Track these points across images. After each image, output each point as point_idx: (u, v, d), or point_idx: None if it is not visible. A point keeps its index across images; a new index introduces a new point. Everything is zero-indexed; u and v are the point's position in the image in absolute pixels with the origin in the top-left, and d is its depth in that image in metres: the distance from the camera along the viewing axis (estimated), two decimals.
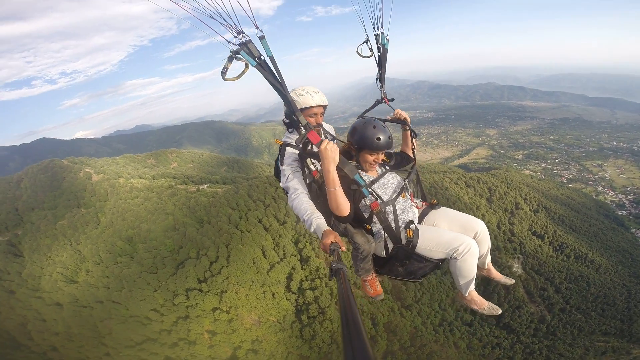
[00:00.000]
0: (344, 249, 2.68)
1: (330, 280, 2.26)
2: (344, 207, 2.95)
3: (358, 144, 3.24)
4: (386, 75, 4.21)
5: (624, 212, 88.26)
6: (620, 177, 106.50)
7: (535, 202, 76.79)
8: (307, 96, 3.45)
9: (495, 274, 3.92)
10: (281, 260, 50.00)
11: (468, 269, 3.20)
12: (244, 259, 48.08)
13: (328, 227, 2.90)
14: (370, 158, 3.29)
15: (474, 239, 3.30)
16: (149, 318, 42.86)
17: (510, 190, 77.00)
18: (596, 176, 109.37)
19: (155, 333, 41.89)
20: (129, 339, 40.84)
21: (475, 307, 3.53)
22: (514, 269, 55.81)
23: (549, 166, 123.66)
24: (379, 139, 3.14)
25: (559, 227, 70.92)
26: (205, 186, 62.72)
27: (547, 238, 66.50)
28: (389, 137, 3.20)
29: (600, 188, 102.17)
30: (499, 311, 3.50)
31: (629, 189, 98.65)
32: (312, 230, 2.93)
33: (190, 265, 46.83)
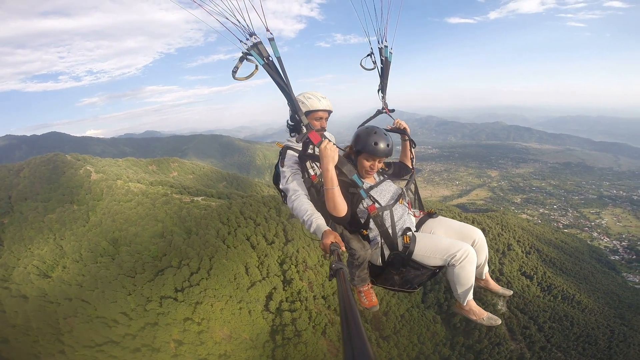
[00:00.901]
0: (343, 249, 2.67)
1: (330, 280, 2.21)
2: (341, 207, 2.98)
3: (357, 148, 3.24)
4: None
5: (616, 257, 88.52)
6: (616, 225, 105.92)
7: (528, 244, 76.15)
8: (315, 100, 3.53)
9: (493, 284, 3.84)
10: (263, 279, 48.47)
11: (466, 277, 3.13)
12: (225, 273, 46.77)
13: (328, 228, 2.91)
14: (367, 164, 3.26)
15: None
16: (116, 321, 41.35)
17: (505, 232, 76.34)
18: (592, 223, 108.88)
19: (119, 336, 40.30)
20: (89, 339, 39.32)
21: (474, 318, 3.44)
22: (499, 307, 53.72)
23: (546, 211, 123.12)
24: (376, 144, 3.12)
25: (550, 269, 70.33)
26: (200, 198, 62.23)
27: (536, 279, 66.18)
28: (388, 145, 3.17)
29: (595, 234, 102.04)
30: (499, 322, 3.42)
31: (624, 235, 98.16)
32: (312, 230, 2.94)
33: (170, 274, 45.73)
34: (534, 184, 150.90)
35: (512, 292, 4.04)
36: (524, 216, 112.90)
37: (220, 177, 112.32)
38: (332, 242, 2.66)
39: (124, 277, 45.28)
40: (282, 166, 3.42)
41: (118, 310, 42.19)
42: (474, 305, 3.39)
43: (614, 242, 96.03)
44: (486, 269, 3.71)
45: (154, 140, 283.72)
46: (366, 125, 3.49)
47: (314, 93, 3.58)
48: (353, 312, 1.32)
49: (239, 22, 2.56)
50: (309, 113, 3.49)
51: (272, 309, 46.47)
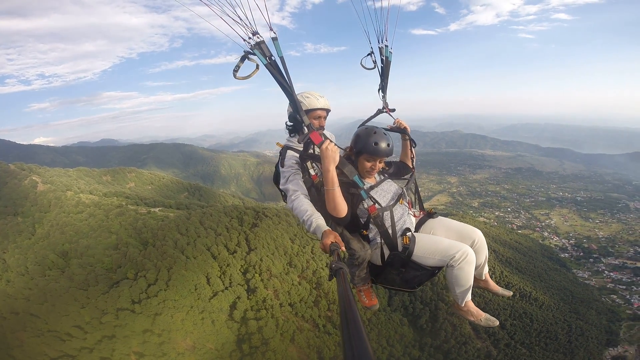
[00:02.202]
0: (343, 248, 2.72)
1: (330, 280, 2.23)
2: (341, 207, 3.02)
3: (357, 148, 3.29)
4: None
5: (566, 254, 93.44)
6: (564, 225, 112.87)
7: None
8: (314, 99, 3.58)
9: (493, 285, 3.88)
10: (226, 288, 47.74)
11: (465, 277, 3.16)
12: (185, 284, 45.60)
13: (328, 227, 2.94)
14: (368, 165, 3.31)
15: (471, 247, 3.25)
16: (70, 334, 38.76)
17: None
18: (543, 223, 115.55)
19: (74, 350, 37.65)
20: (42, 353, 36.47)
21: (472, 319, 3.47)
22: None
23: (501, 214, 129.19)
24: (376, 144, 3.19)
25: (506, 268, 73.29)
26: (157, 209, 60.60)
27: (494, 278, 67.51)
28: (388, 145, 3.25)
29: (546, 234, 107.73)
30: (496, 323, 3.50)
31: (571, 234, 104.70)
32: (311, 230, 2.96)
33: (125, 286, 43.89)
34: (489, 189, 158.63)
35: (512, 293, 4.12)
36: (482, 219, 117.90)
37: (181, 187, 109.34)
38: (332, 242, 2.70)
39: (75, 290, 42.76)
40: (282, 166, 3.44)
41: (71, 323, 39.59)
42: (472, 306, 3.45)
43: (563, 240, 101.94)
44: (486, 269, 3.77)
45: (111, 149, 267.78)
46: (365, 125, 3.58)
47: (311, 92, 3.62)
48: (353, 312, 1.34)
49: (241, 20, 2.57)
50: (307, 112, 3.49)
51: (236, 318, 45.66)
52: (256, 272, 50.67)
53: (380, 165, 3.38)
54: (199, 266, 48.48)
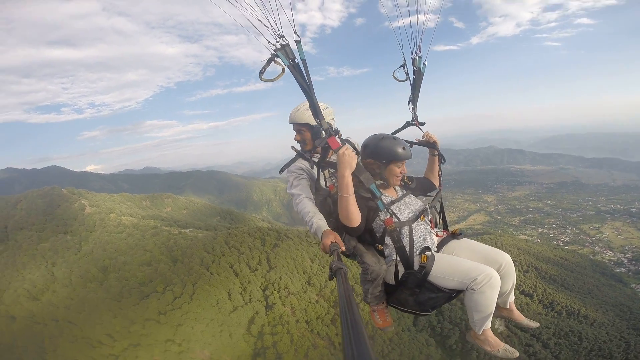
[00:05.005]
0: (343, 248, 2.71)
1: (330, 280, 2.22)
2: (355, 216, 2.89)
3: (386, 157, 3.15)
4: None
5: (622, 269, 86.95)
6: (618, 238, 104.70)
7: (525, 263, 76.55)
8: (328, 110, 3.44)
9: (518, 315, 3.52)
10: (246, 304, 50.02)
11: (486, 303, 2.90)
12: (207, 298, 48.50)
13: (328, 228, 2.93)
14: (397, 170, 3.21)
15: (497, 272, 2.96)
16: (101, 342, 42.51)
17: None
18: (593, 238, 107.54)
19: (102, 356, 41.26)
20: (73, 358, 40.27)
21: (489, 349, 3.17)
22: (496, 326, 53.67)
23: (545, 230, 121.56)
24: (404, 148, 3.15)
25: (550, 285, 69.84)
26: (187, 230, 65.02)
27: (537, 296, 65.70)
28: (404, 148, 3.17)
29: (597, 249, 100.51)
30: (516, 354, 3.15)
31: (627, 247, 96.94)
32: (312, 230, 2.96)
33: (154, 298, 47.49)
34: (531, 205, 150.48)
35: (538, 324, 3.78)
36: (523, 237, 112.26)
37: (213, 212, 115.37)
38: (332, 242, 2.67)
39: (110, 301, 46.93)
40: (288, 172, 3.48)
41: (103, 331, 43.44)
42: (490, 335, 3.15)
43: (618, 254, 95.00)
44: (512, 297, 3.42)
45: (153, 176, 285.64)
46: (376, 134, 3.35)
47: (319, 103, 3.29)
48: (353, 312, 1.32)
49: (270, 24, 2.58)
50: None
51: (254, 332, 47.51)
52: (275, 290, 52.69)
53: (405, 170, 3.32)
54: (221, 282, 51.39)
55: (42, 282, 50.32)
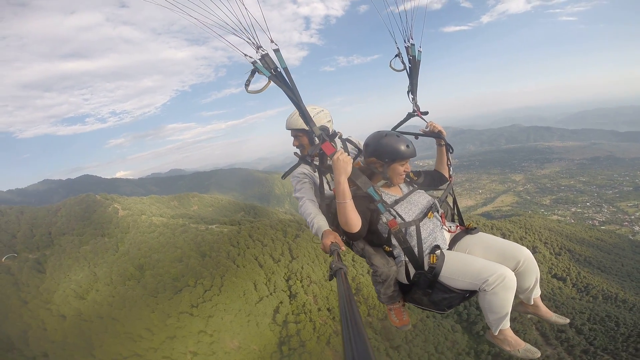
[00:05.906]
0: (343, 248, 2.69)
1: (330, 280, 2.23)
2: (354, 221, 2.79)
3: (389, 156, 2.97)
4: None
5: None
6: None
7: (557, 245, 74.93)
8: (314, 113, 3.43)
9: (545, 311, 3.29)
10: (271, 294, 53.01)
11: (499, 304, 2.70)
12: (235, 289, 51.74)
13: (328, 228, 2.89)
14: (401, 169, 3.05)
15: (515, 269, 2.83)
16: (141, 336, 46.49)
17: (528, 235, 75.82)
18: (632, 217, 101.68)
19: (143, 350, 45.11)
20: (117, 352, 44.23)
21: (508, 349, 2.97)
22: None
23: (579, 210, 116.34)
24: (407, 146, 2.94)
25: (585, 268, 68.27)
26: (214, 226, 68.58)
27: (570, 280, 64.40)
28: (408, 146, 2.97)
29: (637, 228, 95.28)
30: (538, 354, 2.94)
31: None
32: (314, 231, 2.94)
33: (186, 292, 51.10)
34: (562, 183, 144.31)
35: (568, 320, 3.46)
36: (555, 217, 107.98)
37: (238, 208, 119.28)
38: (332, 242, 2.63)
39: (148, 297, 50.97)
40: (292, 176, 3.52)
41: (143, 326, 47.42)
42: (509, 334, 2.93)
43: None
44: (536, 292, 3.13)
45: (178, 178, 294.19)
46: (378, 132, 3.14)
47: (313, 107, 3.48)
48: (353, 312, 1.32)
49: (246, 36, 2.52)
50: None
51: (279, 321, 50.44)
52: (297, 279, 55.48)
53: (408, 168, 3.15)
54: (247, 274, 54.67)
55: (87, 282, 55.18)
